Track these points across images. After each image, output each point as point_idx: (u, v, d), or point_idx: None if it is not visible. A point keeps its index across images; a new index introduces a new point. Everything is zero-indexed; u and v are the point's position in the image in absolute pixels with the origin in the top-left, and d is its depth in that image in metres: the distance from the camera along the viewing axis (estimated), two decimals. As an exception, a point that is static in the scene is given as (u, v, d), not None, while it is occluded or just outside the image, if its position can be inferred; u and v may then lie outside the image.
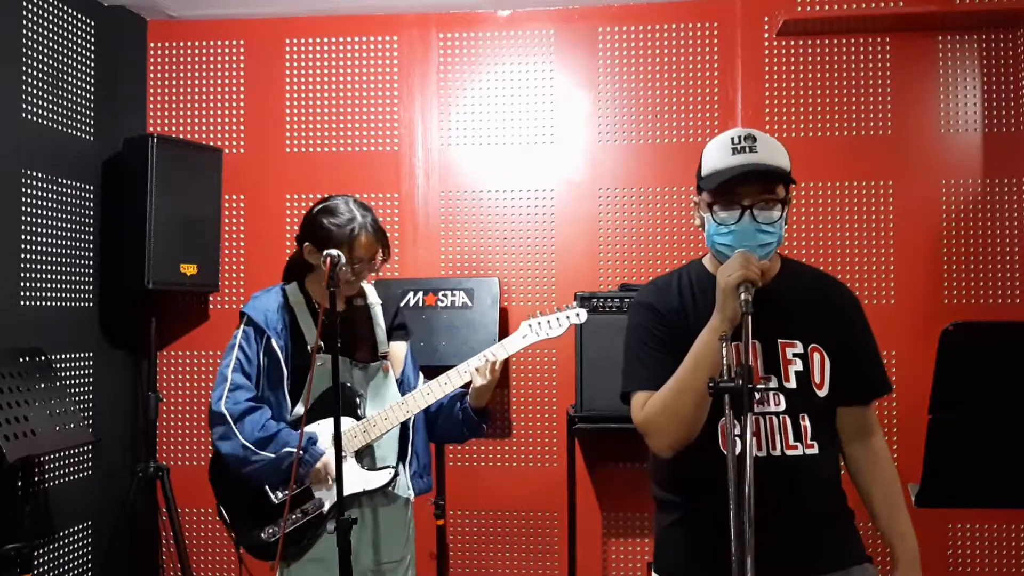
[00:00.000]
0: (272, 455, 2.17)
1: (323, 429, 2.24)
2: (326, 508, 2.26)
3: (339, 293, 2.28)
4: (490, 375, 2.26)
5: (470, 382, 2.31)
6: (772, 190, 1.71)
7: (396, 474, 2.32)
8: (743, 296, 1.58)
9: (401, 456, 2.39)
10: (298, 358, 2.27)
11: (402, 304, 3.18)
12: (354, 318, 2.38)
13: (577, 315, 2.34)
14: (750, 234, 1.70)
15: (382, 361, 2.38)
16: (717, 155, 1.74)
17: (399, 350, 2.46)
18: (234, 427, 2.19)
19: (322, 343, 2.21)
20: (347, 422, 2.27)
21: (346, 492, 2.12)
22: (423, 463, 2.42)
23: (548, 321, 2.33)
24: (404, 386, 2.44)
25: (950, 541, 3.43)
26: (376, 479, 2.28)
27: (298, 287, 2.36)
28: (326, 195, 2.35)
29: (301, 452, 2.14)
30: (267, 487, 2.25)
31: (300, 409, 2.25)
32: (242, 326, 2.29)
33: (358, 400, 2.31)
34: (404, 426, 2.38)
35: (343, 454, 2.12)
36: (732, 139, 1.73)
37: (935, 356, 1.25)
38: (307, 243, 2.28)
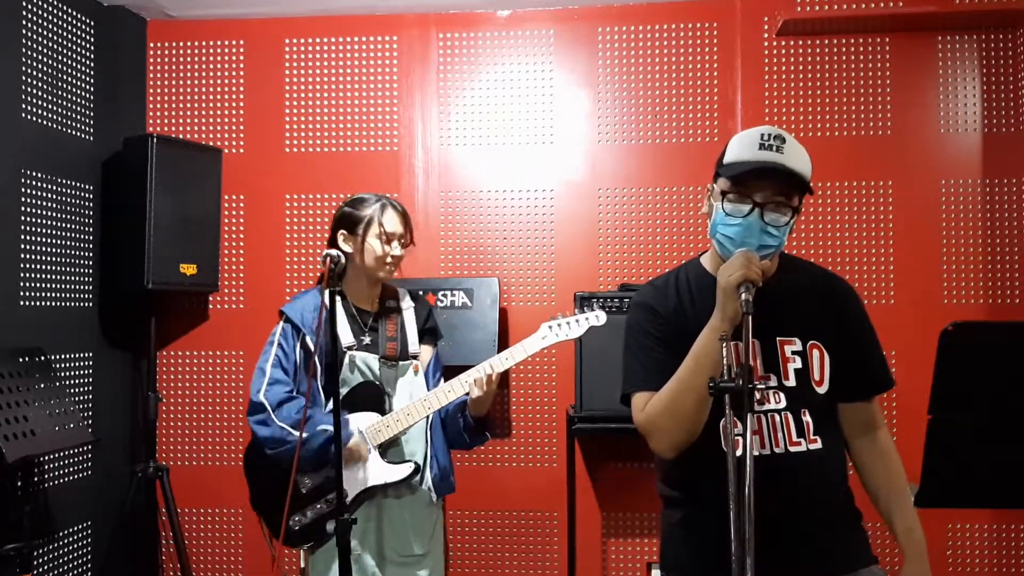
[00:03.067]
0: (306, 435, 2.26)
1: (352, 421, 2.36)
2: (349, 498, 2.31)
3: (378, 283, 2.47)
4: (487, 386, 2.31)
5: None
6: (787, 194, 1.70)
7: (419, 469, 2.39)
8: (744, 296, 1.58)
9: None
10: (330, 355, 2.34)
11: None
12: (386, 319, 2.47)
13: (596, 317, 2.38)
14: (754, 232, 1.69)
15: (412, 361, 2.47)
16: (743, 147, 1.73)
17: (425, 353, 2.55)
18: (273, 414, 2.31)
19: (354, 341, 2.38)
20: (372, 417, 2.37)
21: (369, 484, 2.33)
22: (442, 465, 2.47)
23: (568, 323, 2.38)
24: None
25: (950, 541, 3.42)
26: (397, 472, 2.36)
27: None
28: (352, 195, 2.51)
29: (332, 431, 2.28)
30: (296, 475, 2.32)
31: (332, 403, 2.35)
32: (281, 324, 2.42)
33: (385, 396, 2.40)
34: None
35: (368, 447, 2.32)
36: (762, 135, 1.71)
37: (935, 356, 1.25)
38: (341, 231, 2.41)
